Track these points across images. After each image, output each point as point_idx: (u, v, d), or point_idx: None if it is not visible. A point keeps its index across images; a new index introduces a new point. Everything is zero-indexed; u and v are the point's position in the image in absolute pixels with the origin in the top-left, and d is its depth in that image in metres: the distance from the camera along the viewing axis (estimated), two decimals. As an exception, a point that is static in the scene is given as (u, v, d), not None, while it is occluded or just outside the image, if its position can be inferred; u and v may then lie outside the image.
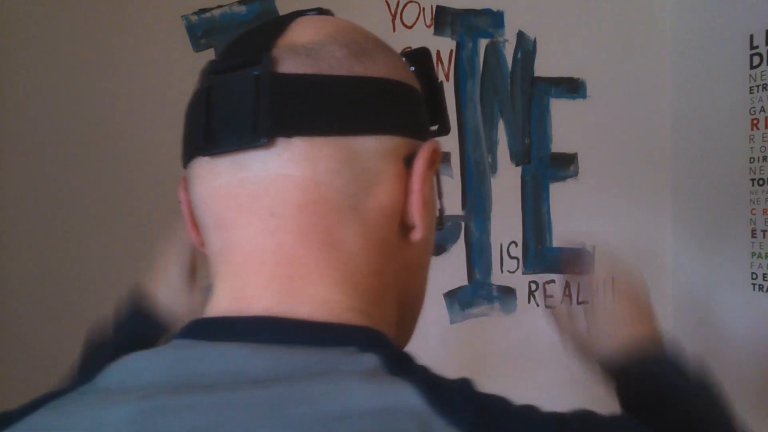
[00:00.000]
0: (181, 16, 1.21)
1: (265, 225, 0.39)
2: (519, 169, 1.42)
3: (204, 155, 0.40)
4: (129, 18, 1.19)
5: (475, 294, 1.38)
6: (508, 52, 1.41)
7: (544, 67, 1.43)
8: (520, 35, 1.41)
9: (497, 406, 0.34)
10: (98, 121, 1.17)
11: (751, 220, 1.32)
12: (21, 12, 1.14)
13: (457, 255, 1.38)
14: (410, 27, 1.35)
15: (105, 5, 1.18)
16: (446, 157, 1.38)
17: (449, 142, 1.39)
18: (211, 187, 0.40)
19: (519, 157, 1.42)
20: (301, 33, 0.41)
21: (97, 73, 1.17)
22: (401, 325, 0.46)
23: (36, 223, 1.14)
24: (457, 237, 1.39)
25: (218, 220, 0.40)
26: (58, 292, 1.13)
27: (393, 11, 1.33)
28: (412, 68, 0.55)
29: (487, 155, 1.40)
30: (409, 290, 0.46)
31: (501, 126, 1.41)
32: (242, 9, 1.24)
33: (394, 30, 1.33)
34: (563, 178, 1.44)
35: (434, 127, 0.56)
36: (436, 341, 1.36)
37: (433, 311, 1.35)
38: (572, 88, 1.45)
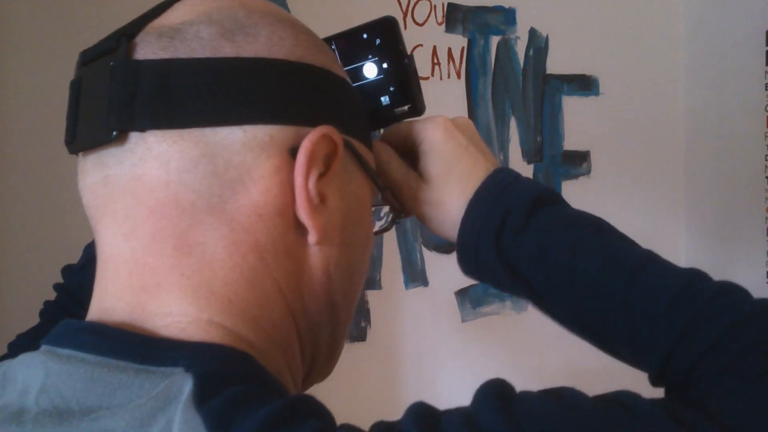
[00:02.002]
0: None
1: (121, 229, 0.35)
2: (531, 167, 1.41)
3: (71, 152, 0.38)
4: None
5: (487, 292, 1.37)
6: (520, 49, 1.40)
7: (556, 64, 1.42)
8: (532, 32, 1.40)
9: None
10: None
11: (766, 218, 1.31)
12: (22, 11, 1.15)
13: (468, 253, 1.38)
14: (421, 24, 1.34)
15: (110, 5, 1.18)
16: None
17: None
18: (83, 185, 0.37)
19: (531, 154, 1.41)
20: (177, 13, 0.37)
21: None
22: (310, 334, 0.40)
23: (36, 222, 1.15)
24: (469, 235, 1.38)
25: (91, 220, 0.37)
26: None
27: (404, 9, 1.33)
28: (378, 41, 0.50)
29: (498, 153, 1.39)
30: (314, 299, 0.40)
31: (512, 123, 1.40)
32: (254, 7, 1.24)
33: (405, 27, 1.33)
34: (576, 176, 1.43)
35: (404, 108, 0.51)
36: (448, 339, 1.35)
37: (445, 309, 1.35)
38: (585, 85, 1.44)
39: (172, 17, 0.37)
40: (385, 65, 0.50)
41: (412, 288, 1.35)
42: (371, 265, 1.31)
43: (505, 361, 1.38)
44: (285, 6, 1.25)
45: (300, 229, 0.38)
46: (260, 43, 0.37)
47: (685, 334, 0.38)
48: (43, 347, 0.35)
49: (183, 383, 0.30)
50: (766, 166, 1.31)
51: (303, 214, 0.37)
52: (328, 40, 0.52)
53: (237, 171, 0.35)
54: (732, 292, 0.41)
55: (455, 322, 1.36)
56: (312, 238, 0.38)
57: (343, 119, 0.40)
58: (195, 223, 0.35)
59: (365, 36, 0.50)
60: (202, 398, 0.29)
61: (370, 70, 0.51)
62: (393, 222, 0.53)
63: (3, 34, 1.13)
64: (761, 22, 1.30)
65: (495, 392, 0.33)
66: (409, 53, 0.51)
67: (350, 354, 1.30)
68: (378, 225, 0.54)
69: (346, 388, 1.26)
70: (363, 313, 1.31)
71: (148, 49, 0.35)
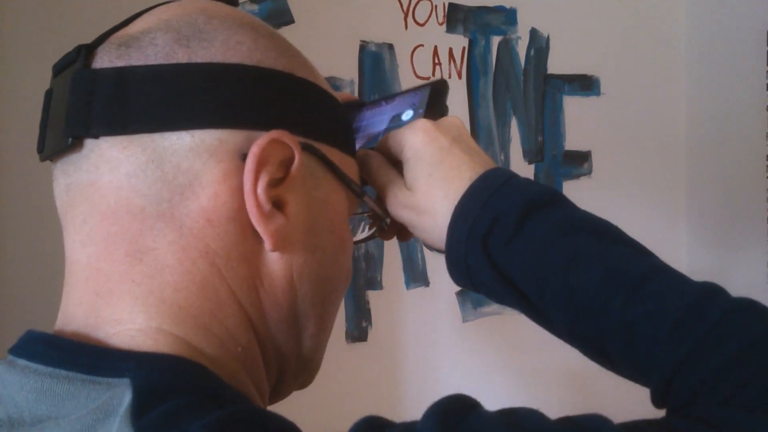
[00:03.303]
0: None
1: (79, 235, 0.36)
2: (532, 167, 1.41)
3: (41, 160, 0.39)
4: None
5: (488, 292, 1.37)
6: (521, 49, 1.40)
7: (558, 64, 1.42)
8: (533, 32, 1.40)
9: None
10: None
11: (767, 219, 1.30)
12: (23, 13, 1.15)
13: (469, 253, 1.38)
14: (422, 25, 1.34)
15: (108, 10, 1.18)
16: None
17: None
18: (55, 194, 0.38)
19: (532, 155, 1.41)
20: (141, 23, 0.38)
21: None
22: (272, 343, 0.39)
23: (35, 223, 1.15)
24: (470, 235, 1.38)
25: (61, 227, 0.38)
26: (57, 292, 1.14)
27: (405, 9, 1.33)
28: (425, 95, 0.52)
29: (499, 153, 1.39)
30: (275, 306, 0.39)
31: (514, 124, 1.40)
32: (255, 8, 1.24)
33: (406, 28, 1.33)
34: (577, 176, 1.44)
35: None
36: (449, 340, 1.35)
37: (446, 309, 1.35)
38: (586, 85, 1.44)
39: (135, 27, 0.37)
40: (420, 110, 0.52)
41: (413, 288, 1.35)
42: (372, 265, 1.32)
43: (506, 361, 1.38)
44: (285, 7, 1.25)
45: (258, 235, 0.37)
46: (215, 48, 0.36)
47: (688, 359, 0.35)
48: (7, 357, 0.35)
49: (123, 396, 0.30)
50: (767, 166, 1.31)
51: (253, 220, 0.36)
52: (392, 96, 0.56)
53: (186, 176, 0.35)
54: (745, 311, 0.36)
55: (456, 322, 1.37)
56: (267, 245, 0.37)
57: (308, 123, 0.39)
58: (146, 229, 0.35)
59: (418, 91, 0.54)
60: (138, 412, 0.29)
61: (408, 116, 0.53)
62: (379, 229, 0.52)
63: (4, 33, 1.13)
64: (761, 22, 1.30)
65: (444, 410, 0.32)
66: (447, 107, 0.53)
67: (351, 354, 1.30)
68: (368, 232, 0.53)
69: (347, 388, 1.26)
70: (364, 313, 1.31)
71: (105, 58, 0.36)
